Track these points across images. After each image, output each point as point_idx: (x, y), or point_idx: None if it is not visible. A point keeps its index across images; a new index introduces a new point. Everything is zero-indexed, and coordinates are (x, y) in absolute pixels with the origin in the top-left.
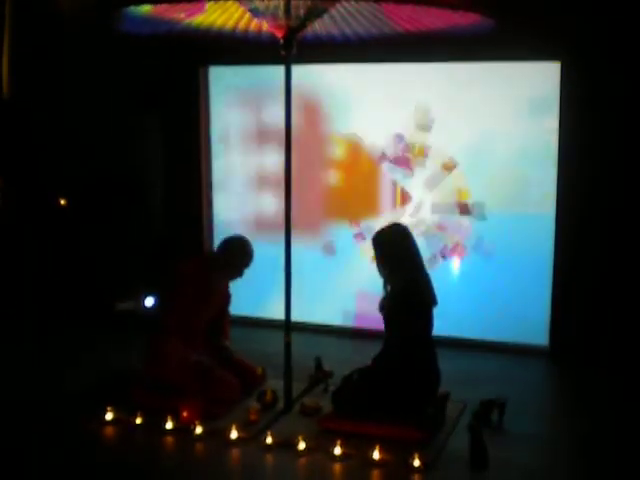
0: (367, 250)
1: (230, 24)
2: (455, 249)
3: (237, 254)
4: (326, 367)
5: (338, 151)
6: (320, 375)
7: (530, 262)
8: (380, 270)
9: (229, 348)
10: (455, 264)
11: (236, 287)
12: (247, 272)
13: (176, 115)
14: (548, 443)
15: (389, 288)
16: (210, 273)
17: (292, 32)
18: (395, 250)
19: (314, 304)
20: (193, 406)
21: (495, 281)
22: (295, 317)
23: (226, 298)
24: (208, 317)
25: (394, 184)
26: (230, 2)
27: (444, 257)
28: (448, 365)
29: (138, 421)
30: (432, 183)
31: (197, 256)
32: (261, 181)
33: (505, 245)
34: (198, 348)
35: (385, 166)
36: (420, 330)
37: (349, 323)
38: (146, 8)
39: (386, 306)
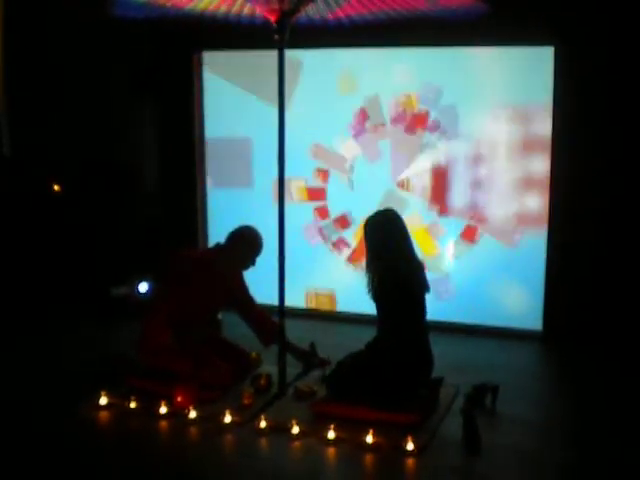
0: None
1: (223, 8)
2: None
3: (248, 243)
4: (321, 353)
5: None
6: (317, 363)
7: (523, 246)
8: (370, 255)
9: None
10: (450, 249)
11: None
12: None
13: (170, 101)
14: (541, 426)
15: (375, 274)
16: (220, 265)
17: (285, 16)
18: (385, 236)
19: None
20: (187, 391)
21: (488, 266)
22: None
23: (239, 291)
24: (212, 308)
25: None
26: None
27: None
28: (441, 350)
29: (132, 406)
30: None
31: (206, 247)
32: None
33: (498, 230)
34: (194, 333)
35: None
36: (411, 314)
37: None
38: None
39: (375, 292)
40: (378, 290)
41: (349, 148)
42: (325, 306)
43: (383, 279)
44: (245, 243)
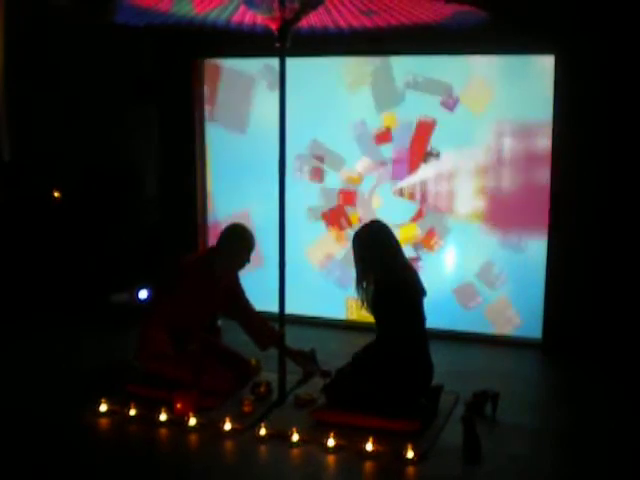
0: None
1: (225, 16)
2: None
3: (240, 240)
4: (321, 361)
5: None
6: (318, 374)
7: (523, 254)
8: (361, 269)
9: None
10: (450, 257)
11: None
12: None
13: (171, 107)
14: (541, 435)
15: (370, 286)
16: (214, 266)
17: (287, 24)
18: (375, 247)
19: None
20: (187, 398)
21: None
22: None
23: (236, 293)
24: (210, 313)
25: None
26: None
27: None
28: (442, 358)
29: (132, 413)
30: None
31: (200, 251)
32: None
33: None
34: (193, 340)
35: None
36: (411, 323)
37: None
38: None
39: (373, 304)
40: (376, 299)
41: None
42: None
43: (380, 287)
44: (237, 240)
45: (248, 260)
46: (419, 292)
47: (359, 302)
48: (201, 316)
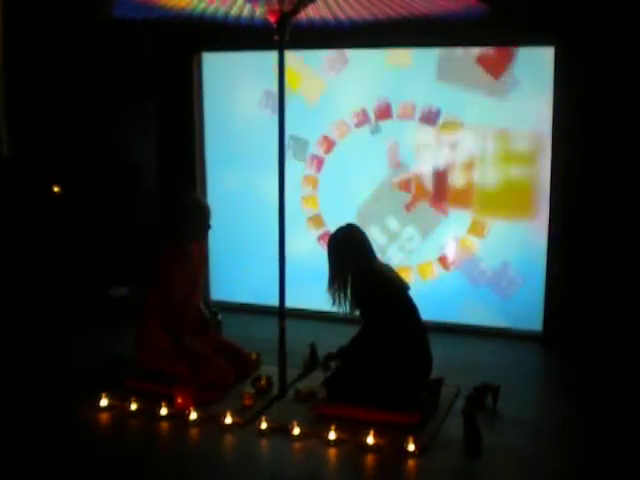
0: None
1: (223, 9)
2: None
3: (194, 209)
4: (322, 355)
5: None
6: (320, 368)
7: (524, 247)
8: (336, 272)
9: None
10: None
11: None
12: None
13: (170, 101)
14: (541, 428)
15: (343, 287)
16: (185, 246)
17: (285, 17)
18: (351, 251)
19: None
20: (187, 392)
21: (488, 266)
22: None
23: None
24: (196, 299)
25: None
26: None
27: None
28: (442, 350)
29: (132, 407)
30: None
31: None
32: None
33: (498, 230)
34: (188, 331)
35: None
36: (402, 315)
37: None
38: None
39: (358, 303)
40: (360, 296)
41: None
42: None
43: (362, 286)
44: (196, 214)
45: (210, 226)
46: (402, 286)
47: (330, 301)
48: (189, 304)
